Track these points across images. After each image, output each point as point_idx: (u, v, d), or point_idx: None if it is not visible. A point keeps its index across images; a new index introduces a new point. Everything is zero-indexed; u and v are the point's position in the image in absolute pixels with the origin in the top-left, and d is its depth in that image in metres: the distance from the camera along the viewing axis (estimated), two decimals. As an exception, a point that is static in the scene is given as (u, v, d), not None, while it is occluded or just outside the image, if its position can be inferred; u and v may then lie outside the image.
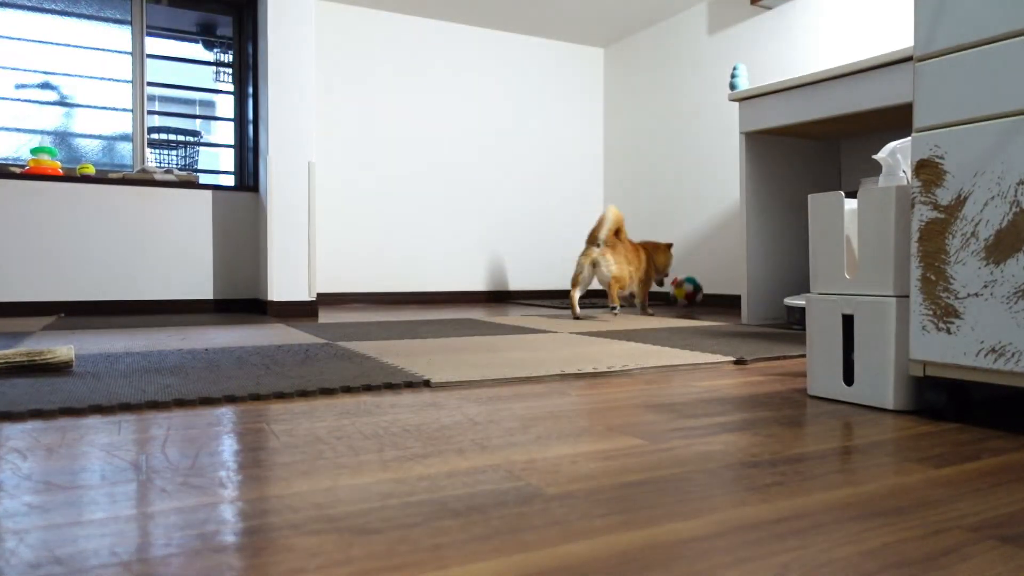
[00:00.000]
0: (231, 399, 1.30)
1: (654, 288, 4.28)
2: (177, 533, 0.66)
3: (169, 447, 0.97)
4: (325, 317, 3.33)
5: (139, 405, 1.24)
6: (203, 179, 4.05)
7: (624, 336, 2.40)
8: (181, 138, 4.37)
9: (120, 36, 3.84)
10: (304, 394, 1.36)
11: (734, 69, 3.06)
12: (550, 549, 0.63)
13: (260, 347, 2.05)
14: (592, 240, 3.11)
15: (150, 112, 3.91)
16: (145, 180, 3.63)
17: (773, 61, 3.87)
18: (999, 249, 1.08)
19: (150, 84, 3.88)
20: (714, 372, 1.69)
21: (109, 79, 3.81)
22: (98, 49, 3.81)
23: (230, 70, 4.12)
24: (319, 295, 4.37)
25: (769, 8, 3.87)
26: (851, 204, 1.36)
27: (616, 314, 3.31)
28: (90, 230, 3.52)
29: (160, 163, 4.28)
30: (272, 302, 3.43)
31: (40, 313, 3.42)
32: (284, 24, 3.47)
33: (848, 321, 1.33)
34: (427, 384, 1.47)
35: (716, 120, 4.26)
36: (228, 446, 0.99)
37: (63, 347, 1.62)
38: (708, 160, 4.31)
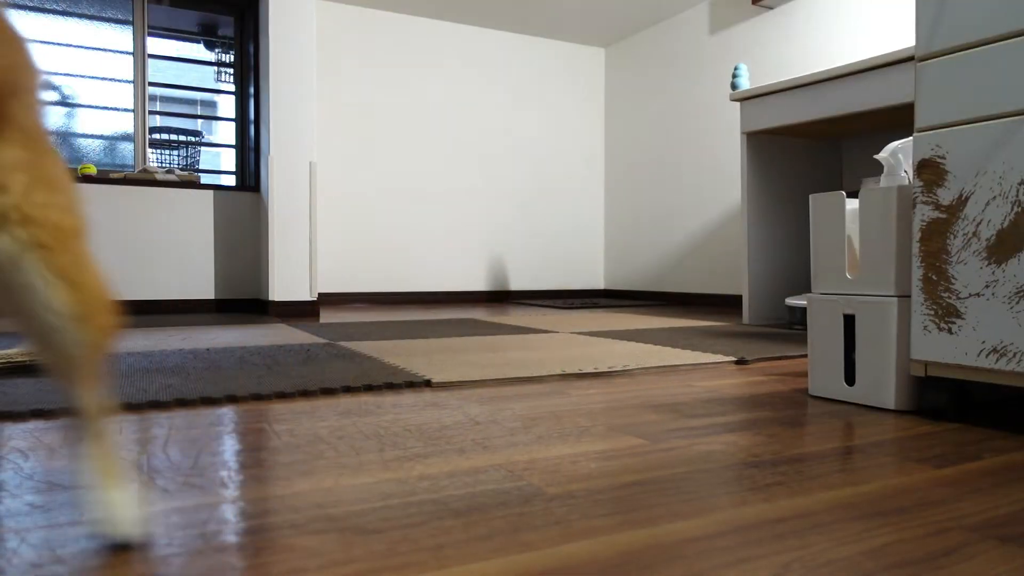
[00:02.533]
0: (232, 399, 1.30)
1: None
2: (179, 533, 0.66)
3: (170, 447, 0.97)
4: (326, 317, 3.33)
5: (140, 405, 1.24)
6: (204, 179, 4.05)
7: (625, 336, 2.40)
8: (182, 138, 4.37)
9: (121, 36, 3.84)
10: (305, 394, 1.36)
11: (736, 69, 3.06)
12: (551, 549, 0.63)
13: (261, 347, 2.06)
14: None
15: (151, 112, 3.92)
16: (147, 180, 3.63)
17: (774, 61, 3.87)
18: (1001, 249, 1.08)
19: (151, 84, 3.88)
20: (715, 372, 1.69)
21: (110, 79, 3.82)
22: (99, 49, 3.81)
23: (231, 70, 4.13)
24: (320, 295, 4.37)
25: (770, 8, 3.87)
26: (852, 204, 1.36)
27: None
28: (92, 230, 3.52)
29: (161, 163, 4.28)
30: (273, 302, 3.43)
31: (42, 313, 3.42)
32: (285, 24, 3.47)
33: (849, 321, 1.33)
34: (428, 384, 1.47)
35: (717, 120, 4.25)
36: (229, 446, 0.99)
37: (65, 347, 1.62)
38: (709, 160, 4.31)
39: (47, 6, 3.71)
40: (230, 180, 4.15)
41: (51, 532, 0.66)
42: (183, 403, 1.26)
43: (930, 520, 0.71)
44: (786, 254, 3.08)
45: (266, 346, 2.08)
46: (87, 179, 3.53)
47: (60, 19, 3.77)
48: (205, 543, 0.64)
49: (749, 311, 2.97)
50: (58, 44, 3.73)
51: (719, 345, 2.12)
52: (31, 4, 3.67)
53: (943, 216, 1.16)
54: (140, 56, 3.82)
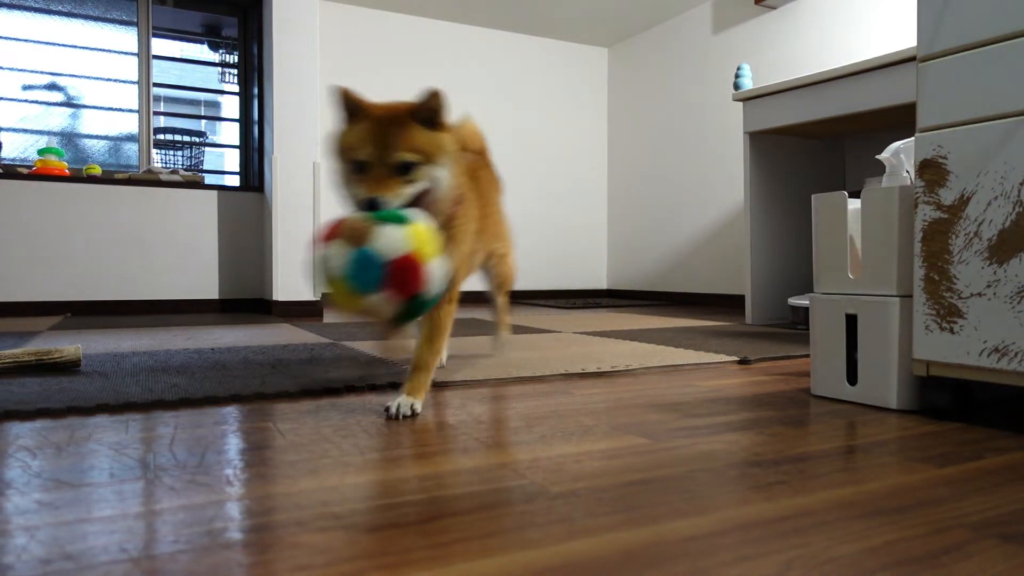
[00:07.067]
0: (237, 398, 1.31)
1: None
2: (185, 530, 0.67)
3: (176, 445, 0.98)
4: (329, 317, 3.34)
5: (146, 404, 1.24)
6: (208, 179, 4.06)
7: (628, 336, 2.40)
8: (186, 139, 4.38)
9: (126, 37, 3.85)
10: (309, 393, 1.36)
11: (739, 69, 3.06)
12: (554, 547, 0.64)
13: (265, 347, 2.06)
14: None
15: (156, 113, 3.93)
16: (151, 180, 3.64)
17: (777, 61, 3.87)
18: (1002, 249, 1.09)
19: (156, 85, 3.89)
20: (718, 372, 1.69)
21: (115, 80, 3.83)
22: (104, 50, 3.82)
23: (235, 71, 4.14)
24: (324, 295, 4.37)
25: (773, 8, 3.87)
26: (855, 204, 1.37)
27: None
28: (97, 230, 3.54)
29: (166, 164, 4.29)
30: (277, 302, 3.44)
31: (47, 313, 3.43)
32: (289, 25, 3.48)
33: (852, 321, 1.33)
34: (432, 384, 1.47)
35: (720, 120, 4.25)
36: (234, 445, 0.99)
37: (70, 346, 1.63)
38: (712, 160, 4.31)
39: (52, 8, 3.73)
40: (234, 180, 4.16)
41: (59, 529, 0.66)
42: (188, 402, 1.27)
43: (931, 519, 0.72)
44: (789, 254, 3.08)
45: (270, 346, 2.09)
46: (92, 180, 3.54)
47: (65, 20, 3.78)
48: (211, 540, 0.64)
49: (752, 311, 2.97)
50: (63, 45, 3.75)
51: (722, 345, 2.12)
52: (36, 5, 3.69)
53: (945, 216, 1.16)
54: (144, 57, 3.83)
